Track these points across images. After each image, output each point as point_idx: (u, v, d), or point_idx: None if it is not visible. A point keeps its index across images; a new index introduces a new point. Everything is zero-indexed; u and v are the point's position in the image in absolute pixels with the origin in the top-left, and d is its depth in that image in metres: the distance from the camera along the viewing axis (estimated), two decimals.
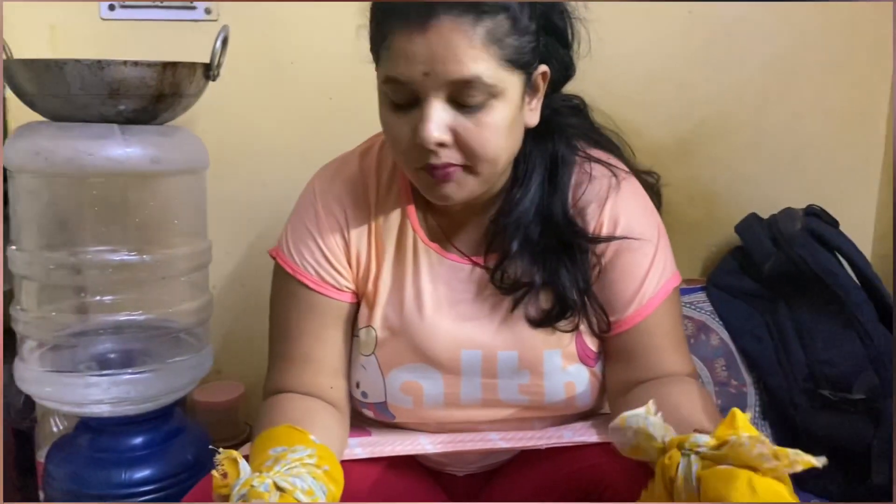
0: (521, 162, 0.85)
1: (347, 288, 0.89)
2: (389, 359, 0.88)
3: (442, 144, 0.75)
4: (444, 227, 0.89)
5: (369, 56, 0.81)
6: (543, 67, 0.81)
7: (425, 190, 0.81)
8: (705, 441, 0.64)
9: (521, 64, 0.76)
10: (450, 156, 0.76)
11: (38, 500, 1.23)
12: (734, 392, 1.31)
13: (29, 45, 1.26)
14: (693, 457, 0.64)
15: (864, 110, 1.49)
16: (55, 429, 1.29)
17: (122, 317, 1.13)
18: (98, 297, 1.13)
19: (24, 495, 1.34)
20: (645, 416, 0.69)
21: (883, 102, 1.49)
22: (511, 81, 0.76)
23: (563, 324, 0.86)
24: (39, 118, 1.09)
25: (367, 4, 0.80)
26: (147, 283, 1.12)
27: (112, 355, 1.13)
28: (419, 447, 0.89)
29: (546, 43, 0.81)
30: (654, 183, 0.96)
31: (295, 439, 0.73)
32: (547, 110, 0.85)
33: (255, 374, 1.43)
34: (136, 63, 1.02)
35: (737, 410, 0.66)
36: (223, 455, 0.67)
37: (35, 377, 1.10)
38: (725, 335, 1.34)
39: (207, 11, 1.31)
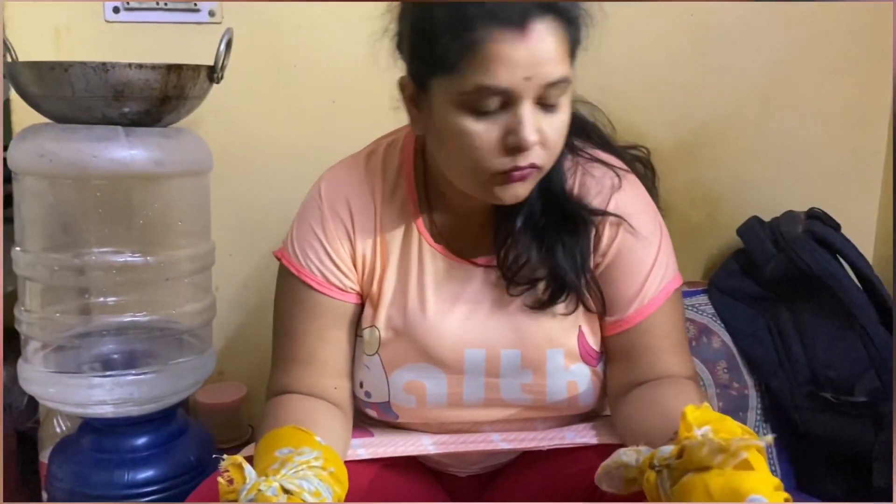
0: None
1: (352, 289, 0.89)
2: (393, 359, 0.88)
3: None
4: (450, 228, 0.90)
5: (383, 61, 0.80)
6: None
7: (491, 193, 0.79)
8: (668, 452, 0.65)
9: (574, 60, 0.77)
10: (534, 156, 0.76)
11: (40, 501, 1.23)
12: (735, 394, 1.31)
13: (34, 47, 1.27)
14: (665, 472, 0.65)
15: (865, 114, 1.49)
16: (58, 429, 1.29)
17: (126, 318, 1.13)
18: (101, 299, 1.13)
19: (27, 496, 1.34)
20: (616, 452, 0.69)
21: (884, 106, 1.49)
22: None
23: (560, 307, 0.86)
24: (44, 120, 1.09)
25: (399, 13, 0.79)
26: (150, 284, 1.12)
27: (115, 356, 1.14)
28: (421, 448, 0.89)
29: None
30: (644, 156, 0.96)
31: (300, 440, 0.73)
32: None
33: (257, 376, 1.43)
34: (140, 65, 1.02)
35: (687, 409, 0.66)
36: (228, 461, 0.67)
37: (39, 378, 1.10)
38: (727, 337, 1.34)
39: (211, 14, 1.32)
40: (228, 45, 1.12)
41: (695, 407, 0.67)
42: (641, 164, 0.95)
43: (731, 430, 0.66)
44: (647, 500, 0.68)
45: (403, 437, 0.91)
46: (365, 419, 0.95)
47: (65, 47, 1.30)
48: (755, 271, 1.34)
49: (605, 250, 0.87)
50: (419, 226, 0.89)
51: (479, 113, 0.74)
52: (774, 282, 1.31)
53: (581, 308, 0.87)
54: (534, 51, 0.71)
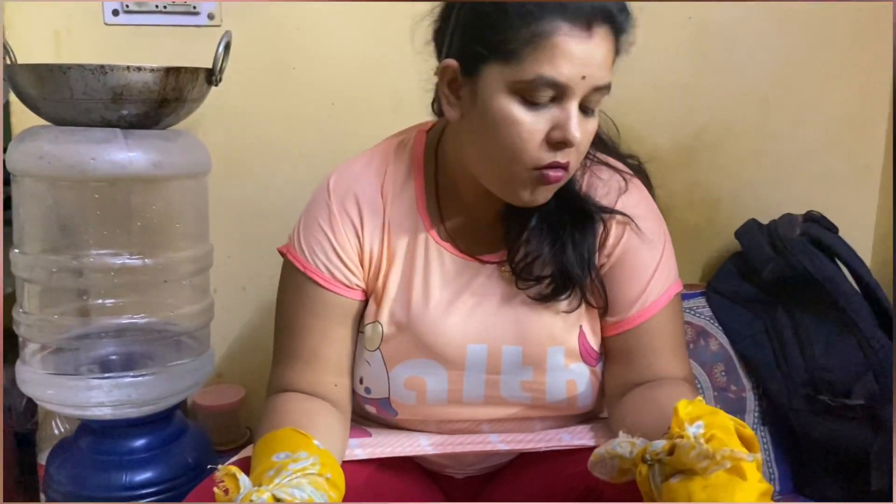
0: None
1: (357, 286, 0.90)
2: (394, 354, 0.88)
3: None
4: (458, 226, 0.91)
5: (418, 44, 0.83)
6: None
7: (515, 192, 0.80)
8: (660, 447, 0.66)
9: None
10: (570, 154, 0.78)
11: (39, 503, 1.23)
12: (733, 397, 1.31)
13: (34, 49, 1.27)
14: (656, 467, 0.66)
15: (864, 117, 1.50)
16: (56, 431, 1.29)
17: (124, 320, 1.13)
18: (100, 301, 1.13)
19: (26, 497, 1.34)
20: (610, 442, 0.71)
21: (882, 109, 1.49)
22: None
23: (563, 303, 0.87)
24: (43, 122, 1.10)
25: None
26: (149, 286, 1.12)
27: (114, 358, 1.14)
28: (419, 448, 0.90)
29: None
30: (636, 164, 0.97)
31: (298, 444, 0.73)
32: None
33: (256, 378, 1.44)
34: (138, 68, 1.03)
35: (679, 404, 0.68)
36: (222, 471, 0.68)
37: (37, 380, 1.10)
38: (725, 340, 1.34)
39: (211, 17, 1.32)
40: (227, 47, 1.12)
41: (687, 402, 0.69)
42: (637, 173, 0.95)
43: (723, 424, 0.67)
44: (639, 494, 0.69)
45: (401, 437, 0.91)
46: (363, 419, 0.95)
47: (64, 50, 1.30)
48: (753, 274, 1.34)
49: (610, 250, 0.88)
50: (426, 223, 0.89)
51: (530, 103, 0.76)
52: (772, 285, 1.31)
53: (583, 307, 0.88)
54: (593, 52, 0.74)
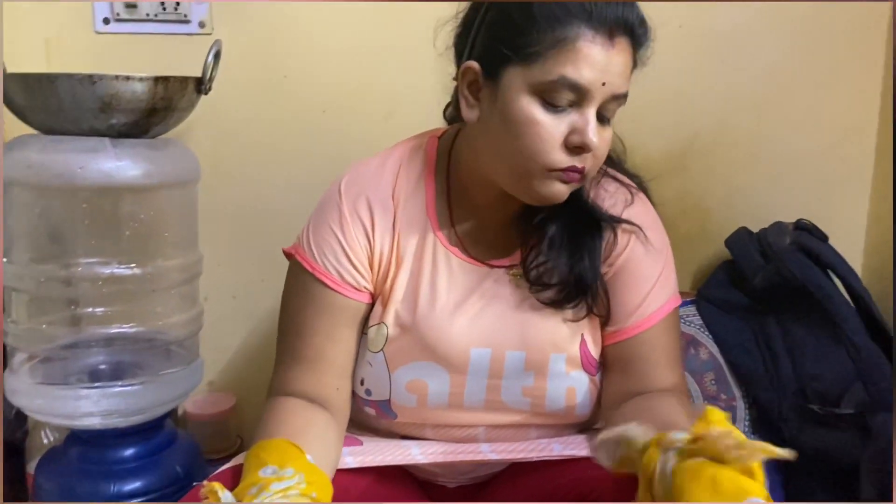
0: None
1: (365, 288, 0.90)
2: (398, 356, 0.88)
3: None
4: (467, 231, 0.91)
5: (440, 47, 0.85)
6: None
7: (531, 188, 0.81)
8: (682, 437, 0.66)
9: None
10: (587, 160, 0.80)
11: None
12: (723, 406, 1.31)
13: (24, 58, 1.27)
14: (671, 452, 0.66)
15: (855, 124, 1.50)
16: (46, 440, 1.29)
17: (114, 329, 1.13)
18: (89, 310, 1.13)
19: None
20: (624, 425, 0.71)
21: (873, 116, 1.50)
22: None
23: (569, 312, 0.88)
24: (31, 131, 1.10)
25: (478, 3, 0.82)
26: (138, 295, 1.12)
27: (102, 367, 1.14)
28: (410, 457, 0.89)
29: None
30: (640, 183, 0.97)
31: (289, 458, 0.73)
32: None
33: (247, 386, 1.44)
34: (127, 77, 1.03)
35: (712, 408, 0.67)
36: (206, 489, 0.68)
37: (25, 389, 1.10)
38: (715, 349, 1.34)
39: (202, 25, 1.32)
40: (217, 56, 1.12)
41: (716, 409, 0.69)
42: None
43: (740, 438, 0.67)
44: (633, 495, 0.69)
45: (392, 446, 0.91)
46: (355, 426, 0.95)
47: (55, 58, 1.31)
48: (743, 282, 1.34)
49: (613, 259, 0.89)
50: (435, 227, 0.90)
51: (550, 105, 0.77)
52: (762, 293, 1.31)
53: (586, 317, 0.89)
54: (614, 60, 0.77)
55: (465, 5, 0.85)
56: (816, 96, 1.48)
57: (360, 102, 1.38)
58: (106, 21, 1.30)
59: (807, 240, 1.30)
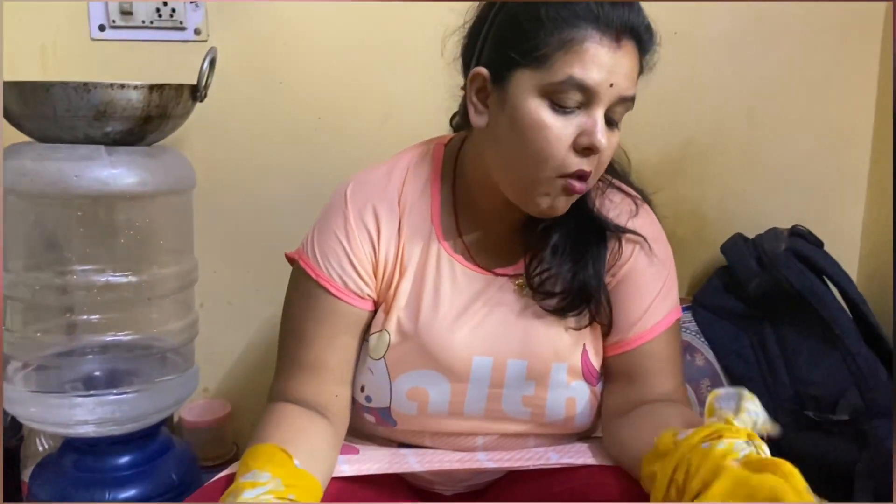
0: None
1: (369, 296, 0.89)
2: (399, 363, 0.88)
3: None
4: (472, 239, 0.91)
5: (448, 56, 0.85)
6: None
7: (534, 201, 0.82)
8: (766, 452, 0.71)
9: None
10: (594, 163, 0.80)
11: None
12: None
13: (20, 65, 1.27)
14: (742, 453, 0.71)
15: (850, 130, 1.50)
16: (40, 448, 1.29)
17: (109, 337, 1.13)
18: (84, 317, 1.12)
19: None
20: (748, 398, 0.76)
21: (868, 122, 1.50)
22: None
23: (572, 320, 0.88)
24: (26, 139, 1.10)
25: (486, 8, 0.83)
26: (133, 302, 1.12)
27: (97, 375, 1.13)
28: (406, 466, 0.89)
29: None
30: (643, 197, 0.98)
31: (273, 463, 0.74)
32: None
33: (242, 393, 1.43)
34: (122, 85, 1.03)
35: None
36: None
37: (20, 397, 1.09)
38: (711, 355, 1.34)
39: (197, 32, 1.32)
40: (212, 63, 1.12)
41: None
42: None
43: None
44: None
45: (388, 454, 0.91)
46: (352, 434, 0.95)
47: (51, 65, 1.30)
48: (739, 289, 1.34)
49: (617, 269, 0.89)
50: (439, 235, 0.90)
51: (558, 107, 0.77)
52: (758, 299, 1.31)
53: (588, 326, 0.89)
54: (621, 62, 0.77)
55: (471, 14, 0.85)
56: (811, 102, 1.48)
57: (357, 107, 1.38)
58: (102, 28, 1.30)
59: (802, 246, 1.30)
